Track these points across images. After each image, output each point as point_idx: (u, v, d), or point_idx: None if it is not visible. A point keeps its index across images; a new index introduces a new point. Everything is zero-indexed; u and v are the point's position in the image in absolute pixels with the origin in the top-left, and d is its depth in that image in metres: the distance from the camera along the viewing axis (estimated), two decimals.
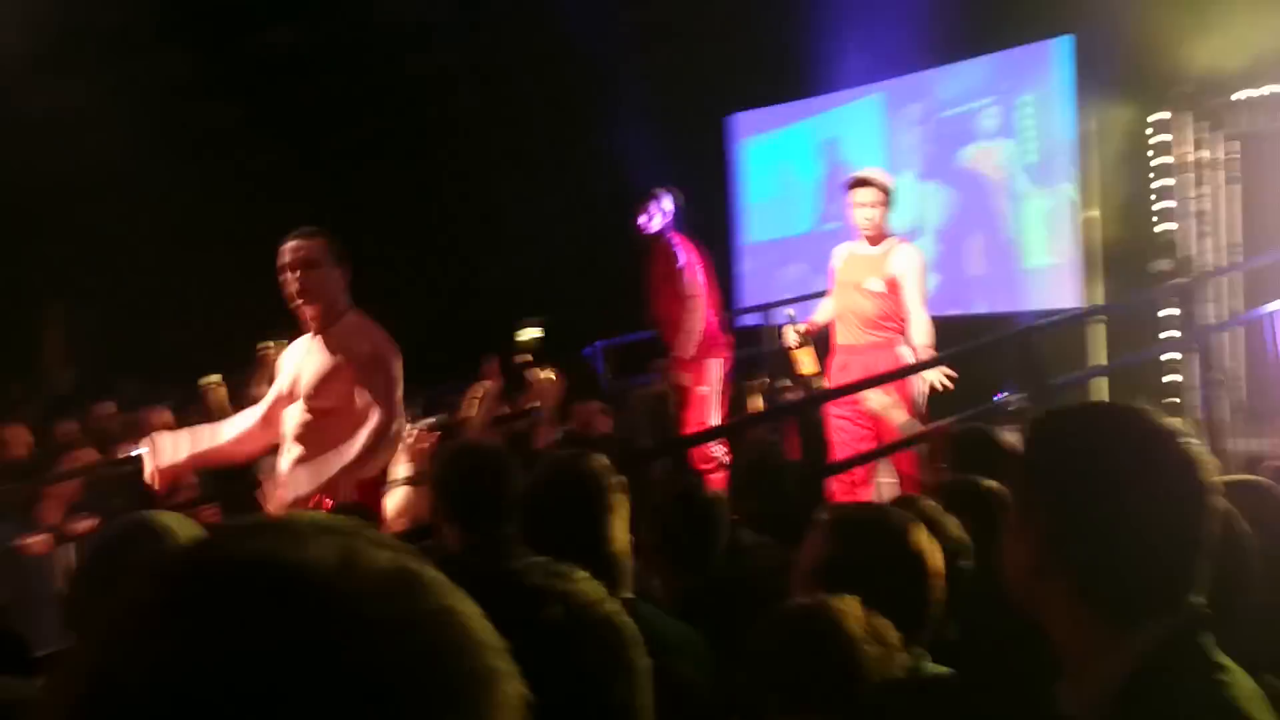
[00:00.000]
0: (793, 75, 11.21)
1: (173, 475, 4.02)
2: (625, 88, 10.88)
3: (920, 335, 5.57)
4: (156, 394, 9.59)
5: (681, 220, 6.74)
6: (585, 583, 1.23)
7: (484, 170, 12.96)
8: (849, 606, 1.76)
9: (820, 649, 1.70)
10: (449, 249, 13.71)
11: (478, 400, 5.58)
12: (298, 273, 4.00)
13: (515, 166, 12.50)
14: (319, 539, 0.60)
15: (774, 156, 12.39)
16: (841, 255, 5.91)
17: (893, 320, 5.67)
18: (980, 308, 10.26)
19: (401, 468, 3.75)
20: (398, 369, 4.01)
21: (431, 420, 4.45)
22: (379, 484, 3.86)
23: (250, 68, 12.40)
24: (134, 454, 4.82)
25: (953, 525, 2.50)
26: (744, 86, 11.82)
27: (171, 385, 10.11)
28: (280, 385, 4.14)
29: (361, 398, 3.91)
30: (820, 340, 5.95)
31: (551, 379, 6.60)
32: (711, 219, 10.80)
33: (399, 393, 4.00)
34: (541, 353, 8.15)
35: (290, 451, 4.00)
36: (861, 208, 5.67)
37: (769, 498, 3.75)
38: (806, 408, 5.62)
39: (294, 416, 4.02)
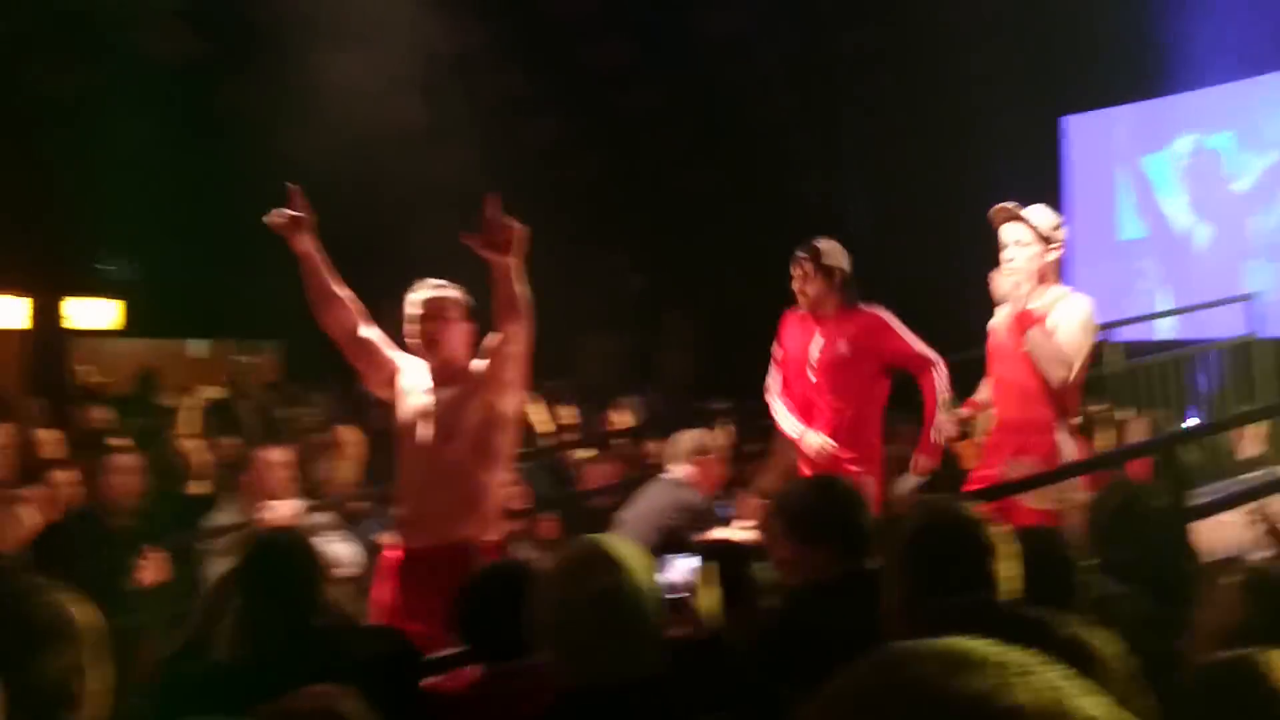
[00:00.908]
0: (1135, 73, 10.36)
1: None
2: (960, 88, 10.45)
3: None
4: None
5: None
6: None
7: (807, 174, 12.86)
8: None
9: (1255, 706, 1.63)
10: (778, 258, 13.68)
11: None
12: (432, 323, 4.01)
13: (836, 169, 12.32)
14: (1029, 680, 0.59)
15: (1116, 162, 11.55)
16: (999, 316, 4.70)
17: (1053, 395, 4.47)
18: None
19: None
20: None
21: None
22: None
23: (579, 83, 12.89)
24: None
25: None
26: (1081, 85, 11.06)
27: None
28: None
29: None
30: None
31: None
32: None
33: None
34: None
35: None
36: (1008, 248, 4.50)
37: (1137, 545, 3.38)
38: (1165, 445, 5.05)
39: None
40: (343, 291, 4.10)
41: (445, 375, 3.96)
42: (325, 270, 4.06)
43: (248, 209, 13.28)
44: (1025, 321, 4.38)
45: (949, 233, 7.83)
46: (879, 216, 11.65)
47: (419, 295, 4.07)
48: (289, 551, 2.72)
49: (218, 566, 4.51)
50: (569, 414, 7.80)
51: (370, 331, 4.13)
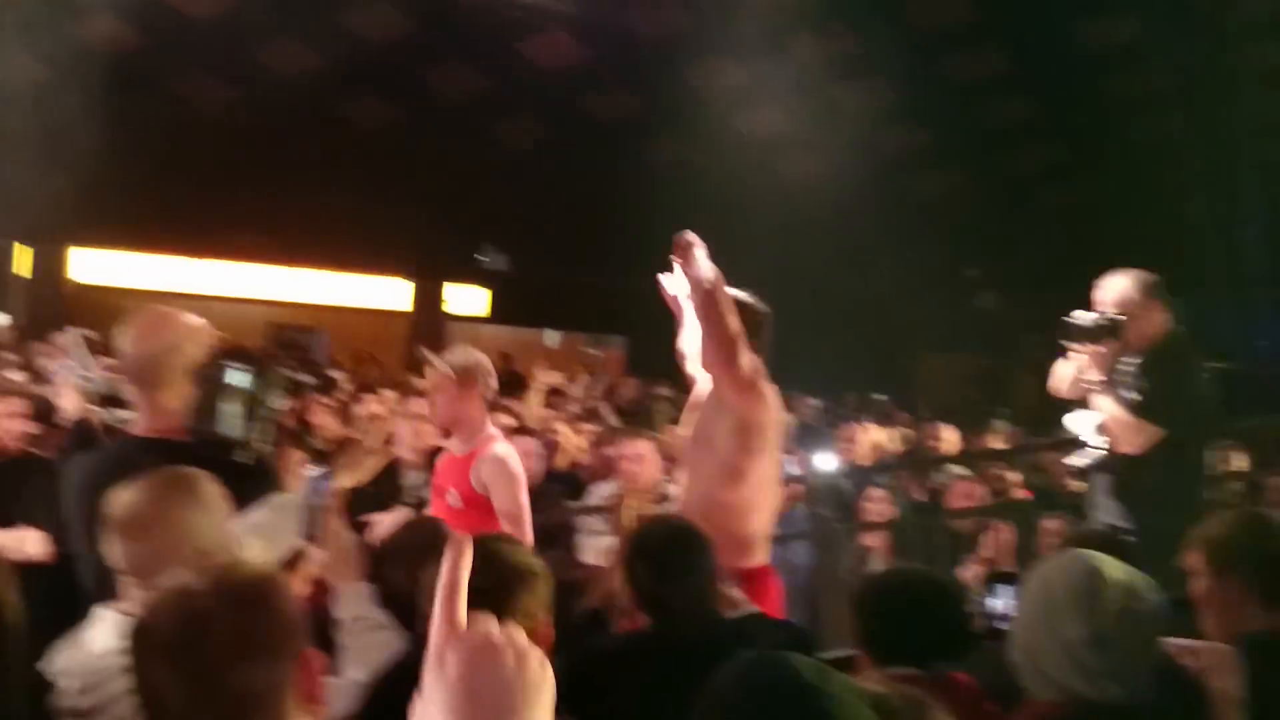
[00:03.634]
0: None
1: None
2: None
3: None
4: None
5: None
6: None
7: (1191, 193, 11.92)
8: None
9: None
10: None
11: None
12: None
13: (1230, 189, 11.32)
14: None
15: None
16: None
17: None
18: None
19: None
20: None
21: None
22: None
23: (947, 93, 12.58)
24: None
25: None
26: None
27: None
28: None
29: None
30: None
31: None
32: None
33: None
34: None
35: None
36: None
37: None
38: None
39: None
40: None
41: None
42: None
43: (608, 211, 14.00)
44: None
45: None
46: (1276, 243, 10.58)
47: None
48: (692, 538, 2.78)
49: (594, 544, 4.73)
50: (888, 436, 7.54)
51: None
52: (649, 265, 3.52)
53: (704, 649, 2.34)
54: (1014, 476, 6.21)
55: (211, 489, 2.05)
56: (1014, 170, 13.85)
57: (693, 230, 3.30)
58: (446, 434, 4.34)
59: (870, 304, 13.66)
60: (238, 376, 2.57)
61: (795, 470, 5.82)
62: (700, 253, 3.29)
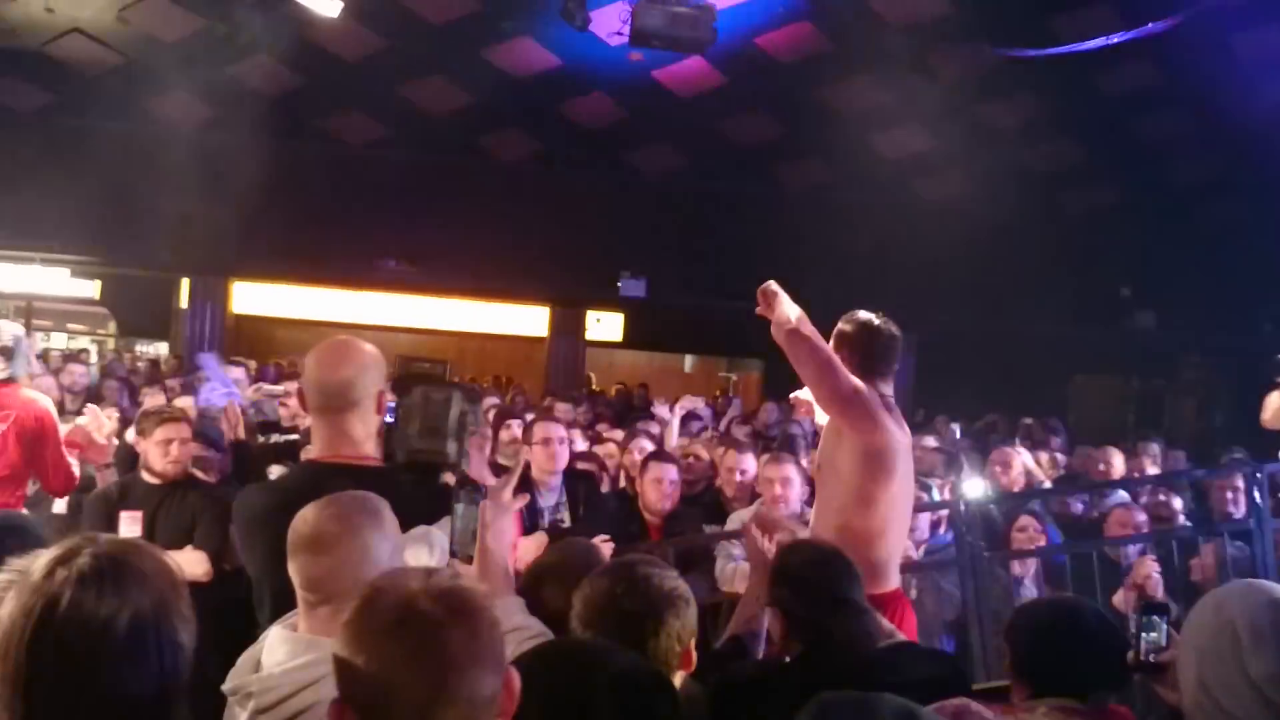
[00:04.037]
0: None
1: None
2: None
3: None
4: None
5: None
6: None
7: None
8: None
9: None
10: None
11: None
12: None
13: None
14: None
15: None
16: None
17: None
18: None
19: None
20: None
21: None
22: None
23: (1098, 107, 12.21)
24: None
25: None
26: None
27: None
28: None
29: None
30: None
31: None
32: None
33: None
34: None
35: None
36: None
37: None
38: None
39: None
40: None
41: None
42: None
43: (746, 236, 13.96)
44: None
45: None
46: None
47: None
48: (842, 563, 2.72)
49: (732, 569, 4.67)
50: (1039, 460, 7.22)
51: None
52: (788, 289, 3.48)
53: (856, 678, 2.29)
54: (1175, 503, 5.92)
55: (390, 514, 2.11)
56: (1171, 185, 13.29)
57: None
58: None
59: (1020, 325, 13.26)
60: (458, 400, 2.68)
61: (942, 496, 5.66)
62: (783, 298, 3.35)
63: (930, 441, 7.83)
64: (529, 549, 4.06)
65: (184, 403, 6.00)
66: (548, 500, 5.02)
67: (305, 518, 2.03)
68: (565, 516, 4.93)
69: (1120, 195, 13.68)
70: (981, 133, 12.03)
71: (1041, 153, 12.99)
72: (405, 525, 2.23)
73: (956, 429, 9.62)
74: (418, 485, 2.57)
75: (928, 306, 12.45)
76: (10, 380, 4.43)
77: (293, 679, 1.87)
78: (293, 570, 2.02)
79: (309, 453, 2.86)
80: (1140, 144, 12.77)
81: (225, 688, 1.98)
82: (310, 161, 13.23)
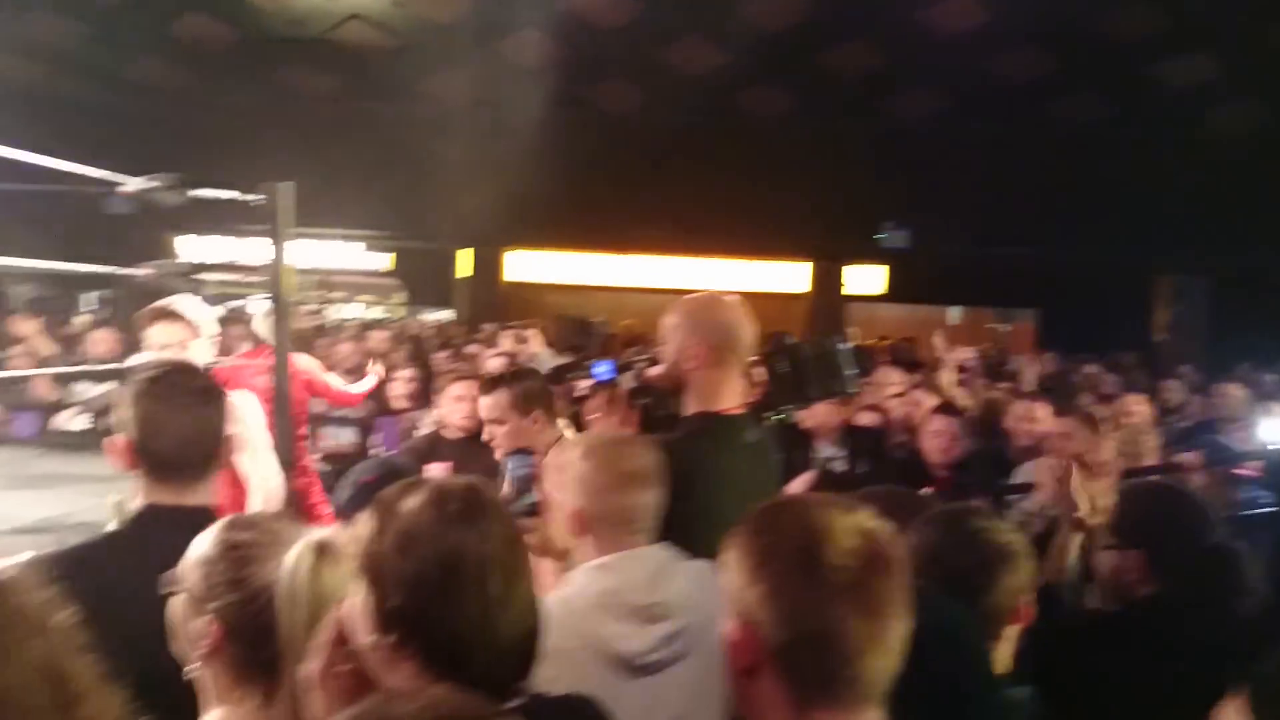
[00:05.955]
0: None
1: None
2: None
3: None
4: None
5: None
6: None
7: None
8: None
9: None
10: None
11: None
12: None
13: None
14: None
15: None
16: None
17: None
18: None
19: None
20: None
21: None
22: None
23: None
24: None
25: None
26: None
27: None
28: None
29: None
30: None
31: None
32: None
33: None
34: None
35: None
36: None
37: None
38: None
39: None
40: None
41: None
42: None
43: (1013, 180, 13.28)
44: None
45: None
46: None
47: None
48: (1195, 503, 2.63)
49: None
50: None
51: None
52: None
53: (1208, 619, 2.21)
54: None
55: None
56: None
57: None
58: None
59: None
60: (842, 345, 2.92)
61: (1243, 447, 5.23)
62: None
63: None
64: (796, 488, 4.10)
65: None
66: (824, 452, 5.05)
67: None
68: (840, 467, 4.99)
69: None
70: (1272, 57, 10.90)
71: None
72: None
73: (1240, 376, 8.76)
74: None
75: (1214, 249, 11.48)
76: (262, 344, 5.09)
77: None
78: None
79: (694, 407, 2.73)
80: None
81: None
82: (574, 131, 13.64)
